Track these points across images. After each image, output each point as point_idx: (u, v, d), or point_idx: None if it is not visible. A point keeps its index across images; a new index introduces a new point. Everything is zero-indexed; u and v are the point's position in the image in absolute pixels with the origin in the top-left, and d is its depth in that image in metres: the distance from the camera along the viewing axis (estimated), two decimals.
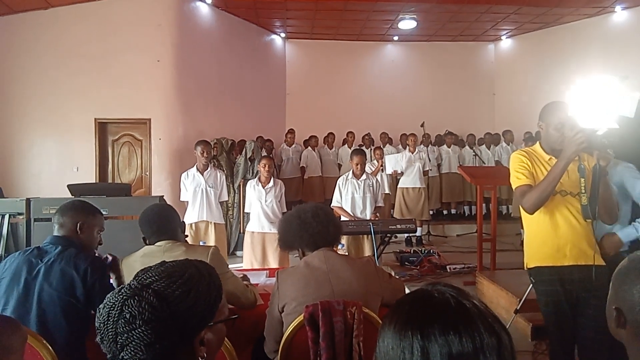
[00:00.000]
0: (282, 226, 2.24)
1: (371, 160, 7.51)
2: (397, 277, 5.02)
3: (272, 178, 4.99)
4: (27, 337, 1.54)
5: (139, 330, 1.00)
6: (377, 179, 5.19)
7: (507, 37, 11.13)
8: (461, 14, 9.37)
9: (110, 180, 7.91)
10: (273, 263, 4.79)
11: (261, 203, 4.91)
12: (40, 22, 7.73)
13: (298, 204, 2.39)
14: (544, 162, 2.36)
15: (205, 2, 8.63)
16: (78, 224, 2.31)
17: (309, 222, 2.10)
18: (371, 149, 8.67)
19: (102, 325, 1.03)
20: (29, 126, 7.77)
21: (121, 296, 1.03)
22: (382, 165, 7.26)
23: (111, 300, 1.04)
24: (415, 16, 9.56)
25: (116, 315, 1.01)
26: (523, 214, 2.38)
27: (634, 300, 1.14)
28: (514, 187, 2.35)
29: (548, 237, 2.30)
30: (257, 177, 5.09)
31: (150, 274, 1.10)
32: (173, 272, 1.11)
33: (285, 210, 5.09)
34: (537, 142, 2.44)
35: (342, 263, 2.04)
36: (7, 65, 7.74)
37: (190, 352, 1.10)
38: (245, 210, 5.24)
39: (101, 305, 1.05)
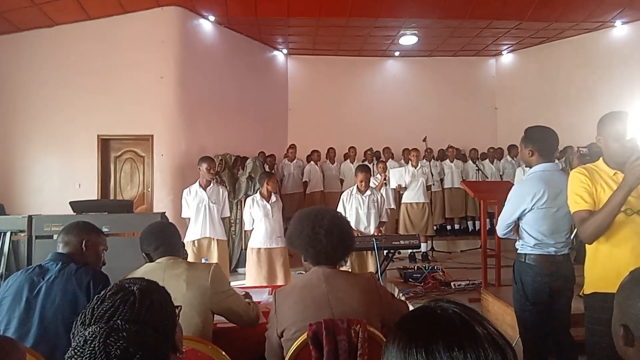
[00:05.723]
0: (294, 227, 2.10)
1: (374, 175, 7.46)
2: (401, 294, 4.99)
3: (272, 193, 5.04)
4: (26, 356, 1.52)
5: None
6: (382, 194, 5.17)
7: (508, 52, 11.19)
8: (462, 29, 9.43)
9: (112, 197, 7.92)
10: (280, 279, 4.76)
11: (269, 219, 4.89)
12: (45, 40, 7.83)
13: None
14: (608, 178, 2.20)
15: (208, 19, 8.73)
16: (83, 242, 2.34)
17: (320, 239, 1.99)
18: (374, 164, 8.65)
19: None
20: (32, 142, 7.81)
21: (96, 341, 0.96)
22: (385, 179, 7.23)
23: (87, 351, 0.95)
24: (416, 32, 9.64)
25: (104, 357, 0.94)
26: None
27: None
28: (572, 210, 2.22)
29: (607, 260, 2.13)
30: (258, 193, 5.07)
31: (103, 309, 1.08)
32: (124, 298, 1.11)
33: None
34: (600, 158, 2.29)
35: (342, 282, 1.97)
36: (12, 82, 7.82)
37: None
38: (246, 228, 5.16)
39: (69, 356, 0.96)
